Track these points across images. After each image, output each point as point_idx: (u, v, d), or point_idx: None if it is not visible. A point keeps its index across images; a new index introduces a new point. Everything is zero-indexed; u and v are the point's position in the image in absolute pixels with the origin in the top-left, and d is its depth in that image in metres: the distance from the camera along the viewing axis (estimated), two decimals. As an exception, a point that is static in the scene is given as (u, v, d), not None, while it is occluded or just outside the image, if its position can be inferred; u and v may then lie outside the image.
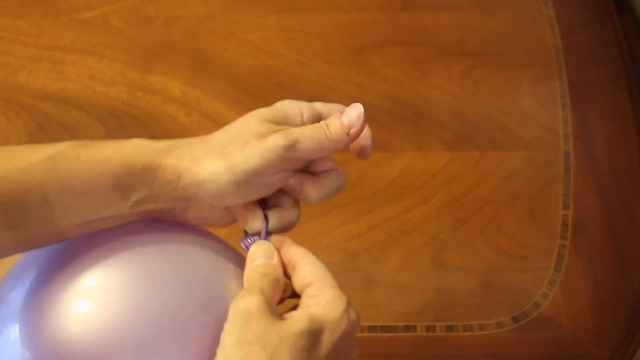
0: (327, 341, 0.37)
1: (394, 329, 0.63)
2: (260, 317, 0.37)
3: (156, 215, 0.41)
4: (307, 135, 0.41)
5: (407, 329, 0.63)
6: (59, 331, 0.37)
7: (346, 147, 0.42)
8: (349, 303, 0.39)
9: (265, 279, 0.40)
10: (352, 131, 0.42)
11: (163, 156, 0.40)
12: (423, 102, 0.76)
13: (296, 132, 0.41)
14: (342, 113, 0.43)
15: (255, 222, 0.43)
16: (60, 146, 0.38)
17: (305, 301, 0.40)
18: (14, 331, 0.38)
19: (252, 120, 0.42)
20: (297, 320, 0.37)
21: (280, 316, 0.38)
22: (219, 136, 0.41)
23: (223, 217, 0.43)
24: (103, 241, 0.40)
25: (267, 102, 0.75)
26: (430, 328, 0.63)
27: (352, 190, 0.70)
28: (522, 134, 0.74)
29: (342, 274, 0.66)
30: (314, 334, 0.37)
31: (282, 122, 0.43)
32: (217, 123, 0.74)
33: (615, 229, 0.68)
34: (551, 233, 0.68)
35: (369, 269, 0.66)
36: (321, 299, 0.39)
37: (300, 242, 0.67)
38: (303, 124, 0.43)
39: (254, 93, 0.77)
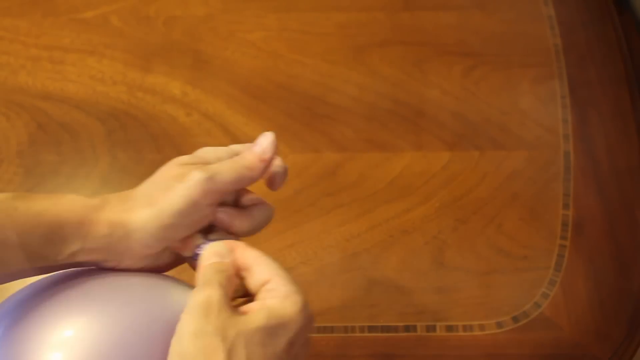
0: (283, 336, 0.39)
1: (394, 329, 0.63)
2: (221, 309, 0.37)
3: (91, 266, 0.43)
4: (225, 167, 0.43)
5: (407, 329, 0.63)
6: None
7: (262, 174, 0.45)
8: (305, 300, 0.40)
9: (221, 274, 0.41)
10: (265, 157, 0.44)
11: (96, 211, 0.41)
12: (423, 102, 0.76)
13: (214, 166, 0.43)
14: (254, 143, 0.45)
15: (196, 241, 0.44)
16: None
17: (262, 294, 0.41)
18: None
19: (173, 166, 0.43)
20: (255, 315, 0.38)
21: (236, 309, 0.39)
22: (145, 187, 0.43)
23: (161, 261, 0.44)
24: (47, 296, 0.40)
25: (267, 102, 0.76)
26: (430, 328, 0.63)
27: (352, 190, 0.70)
28: (522, 134, 0.74)
29: (342, 274, 0.66)
30: (271, 329, 0.38)
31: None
32: (217, 123, 0.74)
33: (615, 229, 0.68)
34: (551, 233, 0.68)
35: (369, 269, 0.66)
36: (279, 292, 0.40)
37: (300, 242, 0.67)
38: None
39: (254, 93, 0.77)
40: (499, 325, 0.63)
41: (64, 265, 0.41)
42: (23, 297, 0.41)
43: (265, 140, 0.45)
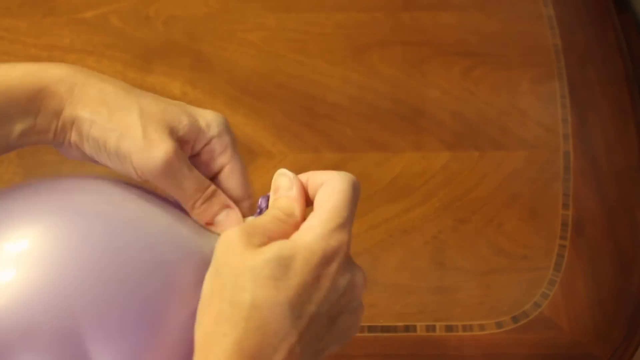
0: (299, 267, 0.33)
1: (394, 329, 0.63)
2: (236, 248, 0.34)
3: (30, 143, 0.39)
4: (193, 177, 0.39)
5: (407, 329, 0.63)
6: None
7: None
8: (339, 229, 0.35)
9: (269, 214, 0.37)
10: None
11: (53, 84, 0.38)
12: (423, 102, 0.76)
13: (184, 161, 0.38)
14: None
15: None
16: None
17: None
18: None
19: (163, 111, 0.39)
20: (269, 246, 0.34)
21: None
22: (120, 89, 0.39)
23: None
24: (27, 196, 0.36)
25: (267, 102, 0.76)
26: (430, 328, 0.63)
27: (352, 190, 0.70)
28: (522, 134, 0.74)
29: (342, 274, 0.66)
30: (285, 259, 0.33)
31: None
32: (217, 123, 0.74)
33: (615, 229, 0.68)
34: (551, 233, 0.68)
35: (369, 269, 0.66)
36: (308, 221, 0.36)
37: (300, 242, 0.67)
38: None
39: (254, 93, 0.77)
40: (499, 325, 0.63)
41: (16, 145, 0.38)
42: None
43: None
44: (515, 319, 0.63)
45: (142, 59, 0.79)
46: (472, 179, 0.71)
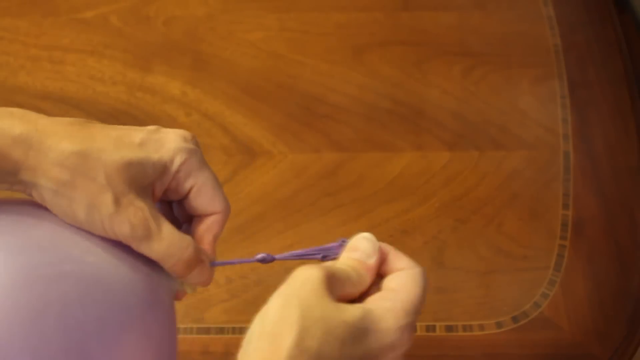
0: (367, 344, 0.34)
1: (394, 329, 0.63)
2: (317, 289, 0.34)
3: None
4: (166, 241, 0.38)
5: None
6: None
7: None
8: (412, 324, 0.36)
9: (346, 269, 0.37)
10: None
11: (5, 147, 0.36)
12: (423, 102, 0.76)
13: (153, 227, 0.38)
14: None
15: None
16: None
17: (375, 297, 0.37)
18: None
19: (128, 173, 0.37)
20: (350, 309, 0.34)
21: (335, 299, 0.35)
22: (85, 152, 0.37)
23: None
24: None
25: (267, 102, 0.76)
26: (430, 328, 0.63)
27: (352, 190, 0.70)
28: (522, 134, 0.74)
29: (342, 274, 0.66)
30: (358, 331, 0.34)
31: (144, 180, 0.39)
32: (216, 123, 0.74)
33: (615, 229, 0.68)
34: (551, 233, 0.68)
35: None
36: (391, 302, 0.36)
37: (300, 242, 0.67)
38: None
39: (254, 93, 0.77)
40: (499, 325, 0.63)
41: None
42: None
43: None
44: (515, 319, 0.63)
45: (142, 59, 0.79)
46: (472, 179, 0.71)
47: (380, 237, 0.68)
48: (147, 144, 0.38)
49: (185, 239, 0.39)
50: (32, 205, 0.38)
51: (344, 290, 0.36)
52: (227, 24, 0.81)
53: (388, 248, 0.40)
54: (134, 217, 0.36)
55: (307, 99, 0.76)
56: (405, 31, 0.81)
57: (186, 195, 0.41)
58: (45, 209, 0.37)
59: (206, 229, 0.41)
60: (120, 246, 0.37)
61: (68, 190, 0.36)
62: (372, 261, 0.38)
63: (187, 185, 0.40)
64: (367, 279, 0.38)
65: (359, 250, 0.38)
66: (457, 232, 0.68)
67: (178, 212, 0.43)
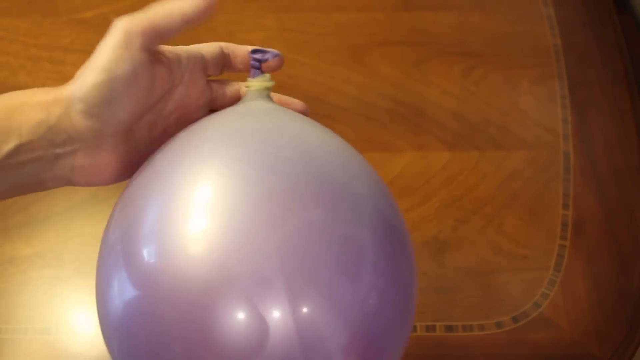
0: None
1: (394, 329, 0.63)
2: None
3: (37, 171, 0.36)
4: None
5: (407, 329, 0.63)
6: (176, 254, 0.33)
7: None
8: None
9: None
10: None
11: (23, 99, 0.35)
12: (423, 102, 0.76)
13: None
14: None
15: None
16: None
17: None
18: (124, 261, 0.35)
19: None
20: None
21: None
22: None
23: (141, 145, 0.40)
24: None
25: (267, 102, 0.76)
26: (430, 328, 0.63)
27: (352, 190, 0.70)
28: (522, 134, 0.74)
29: (342, 274, 0.66)
30: None
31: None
32: (217, 123, 0.74)
33: (615, 229, 0.68)
34: (551, 233, 0.68)
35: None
36: None
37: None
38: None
39: (254, 93, 0.76)
40: (499, 325, 0.63)
41: (7, 168, 0.35)
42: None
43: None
44: (515, 319, 0.63)
45: (142, 59, 0.79)
46: (472, 179, 0.71)
47: (380, 237, 0.68)
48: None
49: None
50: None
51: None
52: (227, 24, 0.81)
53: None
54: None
55: (307, 99, 0.76)
56: (405, 31, 0.81)
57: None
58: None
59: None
60: None
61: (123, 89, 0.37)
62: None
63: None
64: None
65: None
66: (457, 232, 0.68)
67: None
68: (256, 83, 0.43)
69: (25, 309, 0.64)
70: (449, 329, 0.63)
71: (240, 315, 0.31)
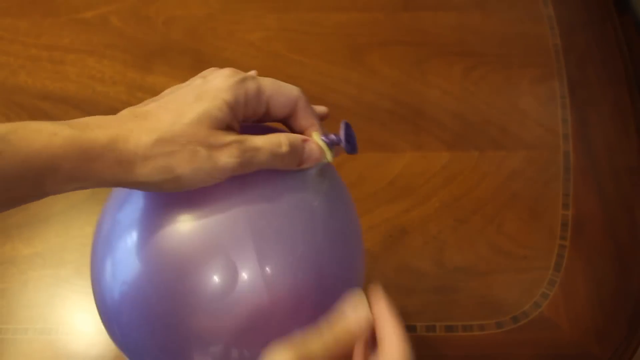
0: None
1: (394, 329, 0.63)
2: None
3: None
4: (265, 150, 0.39)
5: (407, 329, 0.63)
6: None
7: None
8: None
9: (323, 339, 0.37)
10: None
11: (97, 158, 0.36)
12: (423, 102, 0.76)
13: (249, 149, 0.38)
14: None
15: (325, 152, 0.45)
16: None
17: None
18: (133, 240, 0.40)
19: (203, 128, 0.38)
20: None
21: None
22: (163, 135, 0.37)
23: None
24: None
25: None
26: (430, 328, 0.63)
27: (352, 190, 0.70)
28: (522, 134, 0.74)
29: (342, 274, 0.66)
30: None
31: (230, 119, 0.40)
32: (217, 123, 0.74)
33: (615, 229, 0.68)
34: (551, 233, 0.68)
35: (368, 269, 0.66)
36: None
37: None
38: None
39: (254, 93, 0.77)
40: (499, 325, 0.63)
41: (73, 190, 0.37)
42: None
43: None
44: (515, 319, 0.63)
45: (142, 59, 0.79)
46: (472, 179, 0.71)
47: (380, 237, 0.68)
48: (202, 97, 0.39)
49: (276, 135, 0.41)
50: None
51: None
52: (227, 24, 0.81)
53: (381, 314, 0.40)
54: (229, 154, 0.37)
55: (308, 98, 0.76)
56: (405, 31, 0.81)
57: (267, 111, 0.43)
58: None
59: (300, 117, 0.45)
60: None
61: (168, 171, 0.37)
62: (361, 335, 0.38)
63: (262, 103, 0.42)
64: (345, 346, 0.37)
65: (350, 317, 0.38)
66: (457, 232, 0.68)
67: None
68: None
69: (25, 309, 0.64)
70: (449, 329, 0.63)
71: (216, 264, 0.38)
